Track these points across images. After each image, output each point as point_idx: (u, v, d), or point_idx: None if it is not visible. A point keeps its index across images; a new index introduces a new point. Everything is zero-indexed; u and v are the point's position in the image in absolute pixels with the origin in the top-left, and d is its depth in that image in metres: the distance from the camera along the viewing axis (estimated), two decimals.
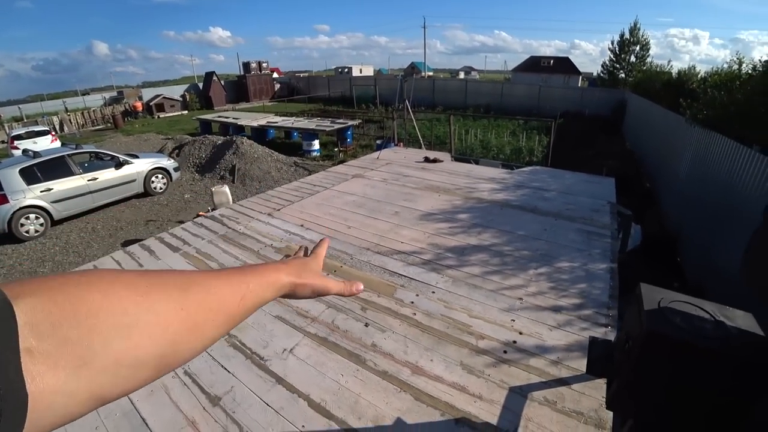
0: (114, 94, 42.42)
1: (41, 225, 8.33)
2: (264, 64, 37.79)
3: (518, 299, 3.08)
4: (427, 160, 7.40)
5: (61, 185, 8.57)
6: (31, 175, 8.22)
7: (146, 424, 2.23)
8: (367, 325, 2.83)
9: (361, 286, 0.67)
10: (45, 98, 42.10)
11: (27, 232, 8.18)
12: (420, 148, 8.82)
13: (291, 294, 0.54)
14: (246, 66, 37.02)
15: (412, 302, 3.06)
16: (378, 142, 11.63)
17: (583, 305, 3.00)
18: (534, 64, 46.29)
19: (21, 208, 7.97)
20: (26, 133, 16.28)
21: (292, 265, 0.56)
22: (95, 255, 7.39)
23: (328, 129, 13.49)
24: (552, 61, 45.69)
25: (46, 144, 15.28)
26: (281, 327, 2.90)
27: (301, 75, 50.98)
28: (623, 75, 28.40)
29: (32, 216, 8.19)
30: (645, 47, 28.50)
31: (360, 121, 16.65)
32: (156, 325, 0.35)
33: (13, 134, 16.34)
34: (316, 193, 5.73)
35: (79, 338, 0.29)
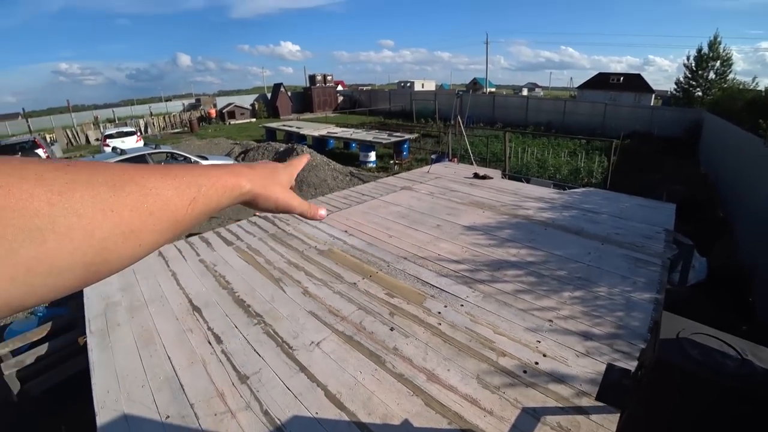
0: (192, 101, 46.17)
1: None
2: (329, 77, 39.33)
3: (548, 321, 3.05)
4: (476, 176, 7.42)
5: None
6: None
7: (183, 389, 2.52)
8: (392, 329, 2.95)
9: (324, 213, 0.59)
10: (134, 103, 46.50)
11: None
12: (471, 164, 8.83)
13: (251, 203, 0.49)
14: (312, 79, 38.79)
15: (439, 312, 3.14)
16: (433, 156, 11.74)
17: (618, 335, 2.91)
18: (602, 81, 44.20)
19: None
20: (117, 132, 18.33)
21: (258, 171, 0.49)
22: None
23: (384, 141, 13.80)
24: (622, 78, 43.32)
25: (132, 143, 17.06)
26: (312, 322, 3.09)
27: (364, 88, 52.47)
28: (700, 93, 26.36)
29: None
30: (726, 62, 26.29)
31: (417, 135, 16.92)
32: (78, 229, 0.30)
33: (105, 133, 18.54)
34: (363, 202, 5.95)
35: None
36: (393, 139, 13.97)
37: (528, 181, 8.06)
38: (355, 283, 3.63)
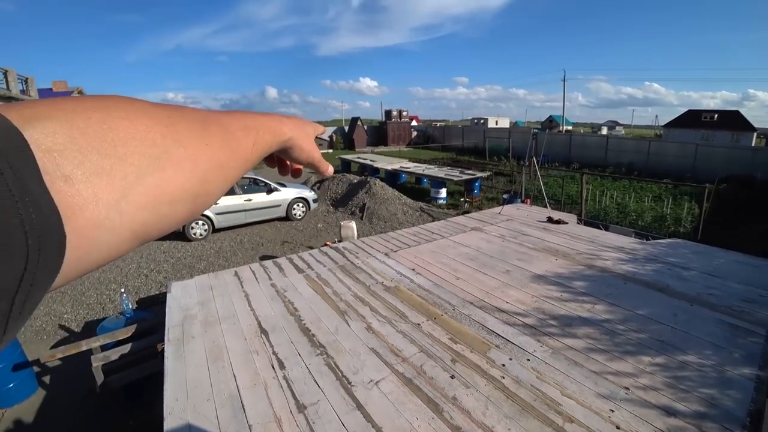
0: None
1: (205, 230, 10.34)
2: (404, 113, 40.47)
3: (623, 388, 2.81)
4: (550, 220, 7.14)
5: (225, 201, 10.51)
6: None
7: (244, 409, 2.65)
8: (453, 377, 2.88)
9: (331, 170, 0.67)
10: None
11: (194, 234, 10.24)
12: (544, 207, 8.52)
13: (287, 149, 0.53)
14: (387, 113, 40.16)
15: (504, 365, 3.02)
16: (505, 196, 11.51)
17: (707, 415, 2.60)
18: (692, 119, 40.72)
19: None
20: None
21: (294, 122, 0.54)
22: (239, 262, 8.66)
23: (456, 179, 13.81)
24: (716, 116, 39.50)
25: None
26: (373, 359, 3.11)
27: (438, 124, 53.22)
28: None
29: (200, 222, 10.27)
30: None
31: (490, 173, 16.73)
32: (186, 159, 0.32)
33: None
34: (432, 241, 5.95)
35: (113, 168, 0.26)
36: (465, 177, 13.95)
37: (606, 228, 7.60)
38: (419, 324, 3.61)
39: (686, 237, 8.22)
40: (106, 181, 0.26)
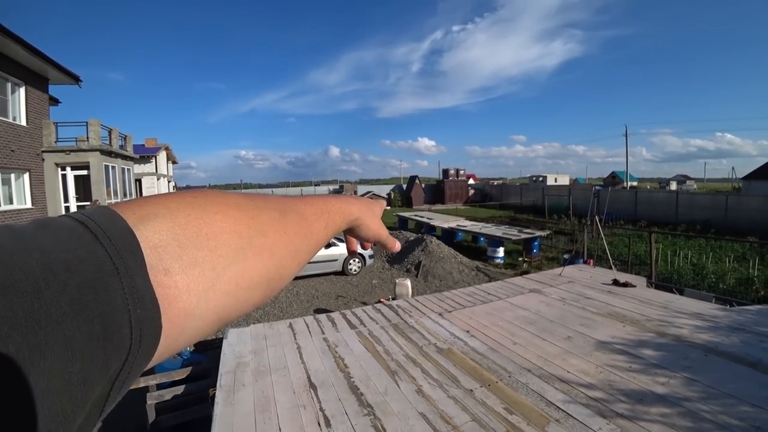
0: (336, 187, 52.10)
1: None
2: (461, 171, 40.81)
3: None
4: (616, 283, 6.67)
5: None
6: None
7: None
8: None
9: (399, 246, 0.66)
10: (290, 185, 54.22)
11: None
12: (609, 268, 8.01)
13: (355, 228, 0.55)
14: (445, 172, 40.71)
15: None
16: (566, 256, 10.99)
17: None
18: None
19: None
20: None
21: (362, 202, 0.56)
22: (293, 314, 8.82)
23: (514, 238, 13.44)
24: None
25: None
26: (422, 425, 2.97)
27: (495, 182, 52.96)
28: None
29: None
30: None
31: (549, 232, 16.14)
32: (265, 248, 0.35)
33: None
34: (489, 302, 5.75)
35: (205, 260, 0.29)
36: (523, 236, 13.55)
37: (681, 292, 6.96)
38: (471, 390, 3.43)
39: None
40: (199, 272, 0.29)
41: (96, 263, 0.23)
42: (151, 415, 4.57)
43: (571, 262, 8.98)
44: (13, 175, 14.23)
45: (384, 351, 4.29)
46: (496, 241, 13.59)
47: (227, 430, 3.04)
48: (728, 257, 11.35)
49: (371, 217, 0.57)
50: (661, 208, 23.23)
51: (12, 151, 13.76)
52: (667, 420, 3.01)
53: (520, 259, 13.21)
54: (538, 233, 14.25)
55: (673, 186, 56.09)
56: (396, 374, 3.77)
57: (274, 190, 51.27)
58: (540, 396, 3.32)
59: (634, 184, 56.22)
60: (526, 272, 11.26)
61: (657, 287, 7.18)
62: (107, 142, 18.11)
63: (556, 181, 49.00)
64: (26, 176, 14.85)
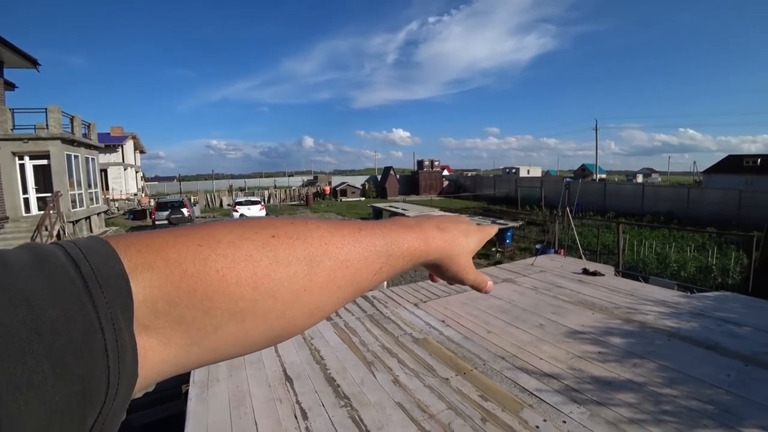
0: (311, 177, 51.62)
1: None
2: (436, 162, 41.06)
3: None
4: (585, 272, 6.88)
5: None
6: None
7: None
8: None
9: (492, 286, 0.52)
10: (263, 176, 53.40)
11: None
12: (579, 258, 8.24)
13: (430, 268, 0.46)
14: (420, 163, 40.87)
15: (537, 427, 2.83)
16: (537, 246, 11.26)
17: None
18: (733, 164, 39.15)
19: None
20: (245, 201, 21.34)
21: (450, 236, 0.45)
22: None
23: None
24: (759, 160, 37.92)
25: (256, 211, 19.47)
26: (399, 414, 2.98)
27: (469, 173, 53.56)
28: None
29: None
30: None
31: (522, 222, 16.48)
32: (273, 311, 0.31)
33: (236, 200, 21.64)
34: (463, 292, 5.82)
35: (193, 319, 0.28)
36: (496, 227, 13.80)
37: (646, 280, 7.23)
38: (447, 379, 3.47)
39: (735, 289, 7.69)
40: (183, 329, 0.28)
41: (84, 323, 0.22)
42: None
43: (543, 252, 9.19)
44: None
45: (360, 342, 4.29)
46: None
47: (201, 426, 2.98)
48: (689, 247, 11.88)
49: (458, 257, 0.45)
50: (628, 200, 24.03)
51: None
52: (634, 401, 3.14)
53: (494, 249, 13.43)
54: (511, 224, 14.51)
55: (640, 179, 58.27)
56: (372, 365, 3.78)
57: (246, 180, 50.29)
58: (514, 383, 3.40)
59: (603, 176, 57.95)
60: (499, 262, 11.47)
61: (624, 276, 7.44)
62: (69, 130, 17.12)
63: (528, 173, 49.98)
64: None
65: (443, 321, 4.75)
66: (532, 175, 47.10)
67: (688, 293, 6.14)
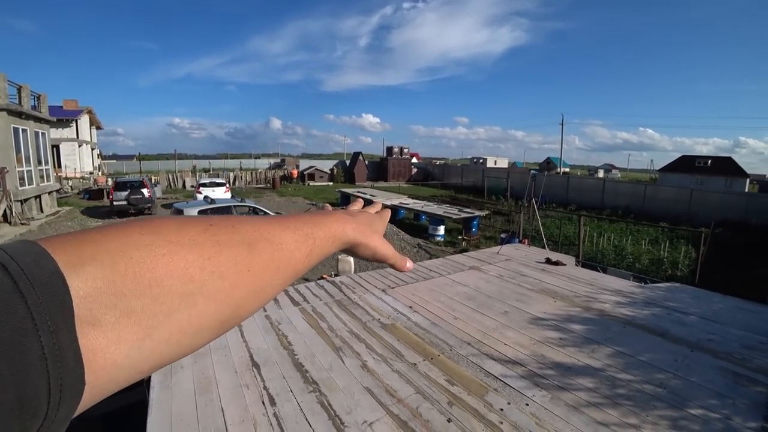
0: (278, 160, 50.66)
1: None
2: (405, 150, 41.10)
3: None
4: (548, 261, 7.11)
5: None
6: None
7: None
8: (449, 420, 2.78)
9: (411, 265, 0.57)
10: (228, 157, 51.88)
11: None
12: (543, 248, 8.50)
13: (351, 250, 0.49)
14: (389, 150, 40.79)
15: (502, 409, 2.92)
16: (503, 235, 11.53)
17: None
18: (686, 164, 41.52)
19: None
20: (209, 182, 20.60)
21: (359, 219, 0.50)
22: None
23: (455, 217, 13.85)
24: (710, 161, 40.43)
25: (221, 194, 18.83)
26: (367, 399, 3.01)
27: (437, 162, 54.00)
28: None
29: None
30: None
31: (488, 212, 16.80)
32: (222, 291, 0.31)
33: (200, 182, 20.89)
34: (430, 279, 5.90)
35: (143, 308, 0.27)
36: (463, 215, 14.00)
37: (605, 271, 7.56)
38: (415, 364, 3.52)
39: (684, 281, 8.17)
40: (134, 321, 0.26)
41: (12, 323, 0.20)
42: None
43: (508, 241, 9.41)
44: None
45: (328, 327, 4.28)
46: (438, 220, 13.94)
47: (165, 414, 2.90)
48: (644, 240, 12.52)
49: (370, 236, 0.50)
50: (589, 194, 24.91)
51: None
52: (592, 384, 3.29)
53: (460, 237, 13.67)
54: (478, 213, 14.81)
55: (601, 174, 60.56)
56: (341, 350, 3.78)
57: (211, 161, 48.68)
58: (479, 368, 3.49)
59: (567, 170, 59.87)
60: (465, 250, 11.68)
61: (584, 266, 7.74)
62: (16, 101, 15.94)
63: (495, 163, 50.95)
64: None
65: (411, 307, 4.81)
66: (498, 166, 48.05)
67: (642, 284, 6.46)
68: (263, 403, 3.02)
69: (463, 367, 3.50)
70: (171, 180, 32.14)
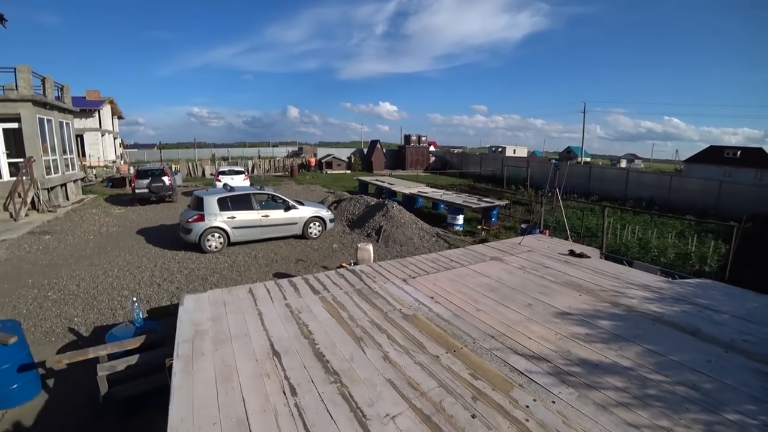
0: (295, 148, 50.88)
1: (220, 243, 10.43)
2: (423, 138, 40.69)
3: None
4: (572, 253, 6.93)
5: (242, 216, 10.59)
6: (224, 204, 10.47)
7: None
8: (474, 416, 2.71)
9: None
10: (246, 145, 52.32)
11: (210, 246, 10.36)
12: (566, 239, 8.30)
13: None
14: (407, 138, 40.43)
15: (527, 406, 2.83)
16: (523, 225, 11.32)
17: None
18: (714, 155, 40.14)
19: (211, 228, 10.18)
20: (229, 170, 20.86)
21: None
22: (252, 278, 8.63)
23: (474, 206, 13.66)
24: (739, 152, 39.01)
25: (240, 181, 19.04)
26: (390, 391, 2.96)
27: (455, 150, 53.42)
28: None
29: (216, 235, 10.37)
30: None
31: (508, 201, 16.51)
32: None
33: (219, 170, 21.21)
34: (451, 269, 5.80)
35: None
36: (483, 204, 13.80)
37: (631, 264, 7.33)
38: (437, 356, 3.46)
39: (712, 276, 7.88)
40: None
41: None
42: (103, 387, 4.28)
43: (529, 231, 9.22)
44: None
45: (349, 317, 4.24)
46: (457, 209, 13.77)
47: (187, 401, 2.91)
48: (670, 233, 12.13)
49: None
50: (612, 184, 24.23)
51: None
52: (621, 383, 3.17)
53: (479, 227, 13.48)
54: (497, 202, 14.57)
55: (623, 164, 59.06)
56: (362, 340, 3.74)
57: (230, 150, 49.24)
58: (504, 362, 3.40)
59: (588, 159, 58.55)
60: (484, 240, 11.52)
61: (608, 259, 7.53)
62: (40, 92, 16.27)
63: (514, 152, 50.04)
64: None
65: (432, 297, 4.73)
66: (518, 155, 47.22)
67: (671, 279, 6.24)
68: (284, 393, 3.00)
69: (487, 360, 3.42)
70: (191, 168, 32.69)
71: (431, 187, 19.65)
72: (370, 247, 8.39)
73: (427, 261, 6.18)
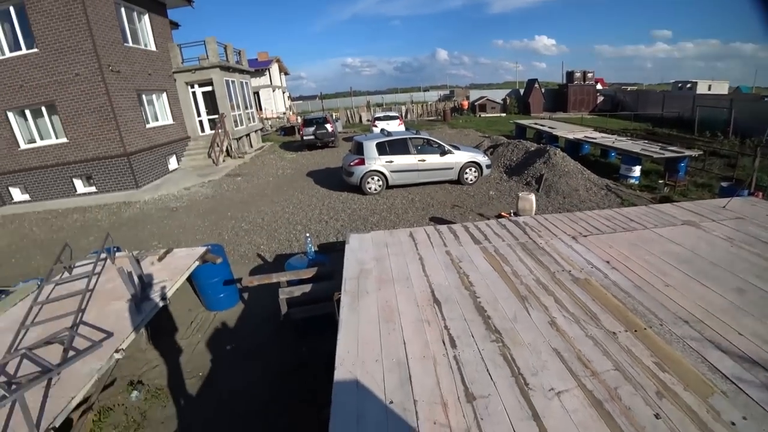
0: (446, 92, 49.94)
1: (379, 186, 11.08)
2: (589, 74, 35.63)
3: None
4: None
5: (400, 160, 10.93)
6: (382, 149, 10.91)
7: (411, 381, 2.61)
8: (657, 416, 2.27)
9: None
10: (398, 91, 53.23)
11: (369, 189, 11.09)
12: None
13: None
14: (569, 75, 35.81)
15: (734, 424, 2.23)
16: (723, 184, 9.24)
17: None
18: None
19: (370, 171, 10.79)
20: (384, 116, 21.95)
21: None
22: (409, 221, 9.02)
23: (656, 156, 11.54)
24: None
25: (395, 126, 19.72)
26: (556, 363, 2.72)
27: (629, 88, 45.45)
28: None
29: (375, 178, 11.00)
30: None
31: (701, 152, 13.43)
32: None
33: (375, 116, 22.47)
34: (631, 230, 5.03)
35: None
36: (667, 154, 11.55)
37: None
38: (615, 333, 3.04)
39: None
40: None
41: None
42: (283, 308, 5.09)
43: (731, 192, 7.45)
44: (154, 96, 16.42)
45: (512, 272, 4.02)
46: (632, 158, 11.87)
47: (353, 335, 3.13)
48: None
49: None
50: None
51: (149, 74, 15.68)
52: None
53: (661, 181, 11.46)
54: (687, 152, 11.94)
55: None
56: (526, 300, 3.52)
57: (383, 96, 50.80)
58: (701, 357, 2.79)
59: None
60: (667, 198, 9.83)
61: None
62: (224, 58, 19.39)
63: (710, 89, 39.81)
64: (164, 96, 17.05)
65: (608, 262, 4.18)
66: (714, 92, 37.63)
67: None
68: (443, 342, 3.01)
69: (678, 351, 2.86)
70: (349, 115, 35.10)
71: (600, 131, 17.29)
72: (533, 197, 7.83)
73: (600, 218, 5.46)
